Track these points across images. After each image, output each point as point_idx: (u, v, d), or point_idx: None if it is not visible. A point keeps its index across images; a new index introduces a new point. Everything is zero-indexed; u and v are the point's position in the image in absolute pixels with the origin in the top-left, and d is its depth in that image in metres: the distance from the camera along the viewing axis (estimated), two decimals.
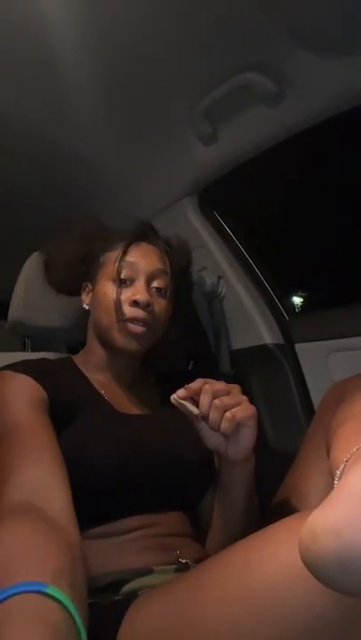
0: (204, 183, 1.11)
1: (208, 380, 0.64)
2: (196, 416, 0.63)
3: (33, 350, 1.15)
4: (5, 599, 0.39)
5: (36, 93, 0.88)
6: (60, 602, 0.40)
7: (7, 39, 0.77)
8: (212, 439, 0.66)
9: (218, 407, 0.61)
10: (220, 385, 0.64)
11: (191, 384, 0.64)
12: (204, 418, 0.63)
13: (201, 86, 0.88)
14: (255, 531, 0.54)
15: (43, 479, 0.56)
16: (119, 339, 0.79)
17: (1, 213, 1.28)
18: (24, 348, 1.18)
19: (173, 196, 1.16)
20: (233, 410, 0.62)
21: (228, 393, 0.63)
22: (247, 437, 0.64)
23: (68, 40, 0.76)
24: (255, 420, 0.64)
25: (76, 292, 0.90)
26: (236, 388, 0.65)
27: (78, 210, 1.23)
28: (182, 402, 0.63)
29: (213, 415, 0.61)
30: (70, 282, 0.90)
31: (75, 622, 0.40)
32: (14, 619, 0.38)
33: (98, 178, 1.14)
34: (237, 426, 0.62)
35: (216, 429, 0.62)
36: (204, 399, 0.62)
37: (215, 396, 0.62)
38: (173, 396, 0.64)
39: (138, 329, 0.78)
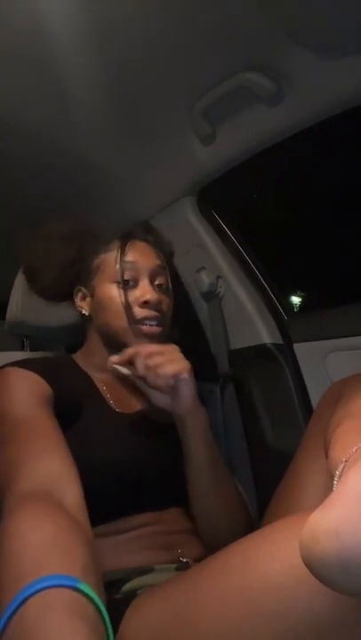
0: (203, 183, 1.11)
1: (143, 346, 0.71)
2: (128, 376, 0.71)
3: (31, 350, 1.15)
4: (40, 590, 0.39)
5: (35, 93, 0.88)
6: (90, 599, 0.40)
7: (7, 40, 0.77)
8: (156, 398, 0.72)
9: (150, 367, 0.68)
10: (153, 347, 0.70)
11: (126, 350, 0.71)
12: (144, 379, 0.69)
13: (200, 86, 0.88)
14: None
15: (57, 470, 0.56)
16: (135, 341, 0.77)
17: (0, 213, 1.28)
18: (22, 348, 1.18)
19: (172, 196, 1.15)
20: (164, 366, 0.68)
21: (162, 354, 0.69)
22: (186, 389, 0.70)
23: (67, 39, 0.76)
24: (189, 372, 0.70)
25: (65, 298, 0.88)
26: (170, 347, 0.71)
27: (77, 210, 1.23)
28: (116, 366, 0.71)
29: (148, 375, 0.68)
30: (61, 288, 0.87)
31: (104, 620, 0.40)
32: (54, 613, 0.38)
33: (97, 177, 1.14)
34: (175, 381, 0.68)
35: (155, 387, 0.69)
36: (138, 362, 0.68)
37: (149, 357, 0.68)
38: (108, 362, 0.72)
39: (153, 329, 0.78)
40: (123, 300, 0.78)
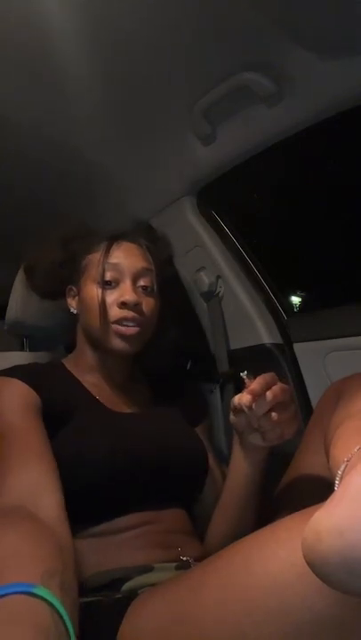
0: (203, 183, 1.11)
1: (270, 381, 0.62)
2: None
3: (31, 350, 1.15)
4: None
5: (34, 93, 0.88)
6: (48, 602, 0.41)
7: (6, 36, 0.77)
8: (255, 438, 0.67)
9: (274, 422, 0.62)
10: (279, 392, 0.62)
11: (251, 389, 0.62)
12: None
13: (200, 86, 0.88)
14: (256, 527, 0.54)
15: (35, 484, 0.57)
16: (112, 341, 0.78)
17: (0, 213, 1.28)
18: (22, 348, 1.18)
19: (172, 196, 1.15)
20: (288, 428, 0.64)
21: (286, 406, 0.62)
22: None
23: (67, 39, 0.76)
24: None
25: (59, 296, 0.90)
26: (287, 393, 0.63)
27: (77, 209, 1.23)
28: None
29: (266, 426, 0.63)
30: (53, 287, 0.90)
31: (63, 622, 0.41)
32: (1, 619, 0.39)
33: (97, 177, 1.14)
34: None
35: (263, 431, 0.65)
36: (263, 410, 0.61)
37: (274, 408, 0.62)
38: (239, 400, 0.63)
39: (130, 330, 0.78)
40: (101, 299, 0.78)
